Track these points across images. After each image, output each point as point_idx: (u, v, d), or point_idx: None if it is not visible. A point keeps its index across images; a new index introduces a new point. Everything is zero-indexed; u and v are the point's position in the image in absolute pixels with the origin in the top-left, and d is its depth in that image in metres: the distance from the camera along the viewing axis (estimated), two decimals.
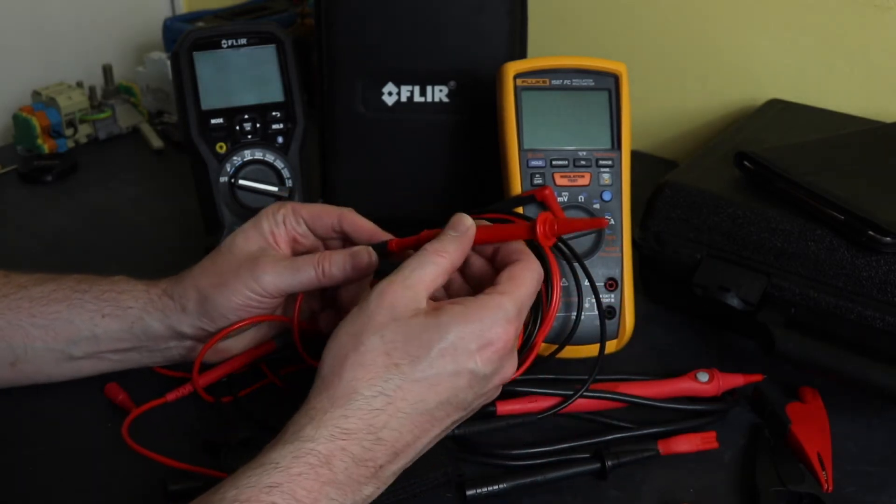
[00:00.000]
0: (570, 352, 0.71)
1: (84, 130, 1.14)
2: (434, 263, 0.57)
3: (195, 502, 0.50)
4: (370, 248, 0.65)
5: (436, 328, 0.53)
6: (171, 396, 0.69)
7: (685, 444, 0.65)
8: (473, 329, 0.54)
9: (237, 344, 0.69)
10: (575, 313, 0.71)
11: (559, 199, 0.74)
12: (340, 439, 0.51)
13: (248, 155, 0.80)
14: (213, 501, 0.48)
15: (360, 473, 0.51)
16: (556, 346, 0.71)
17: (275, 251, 0.67)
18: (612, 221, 0.74)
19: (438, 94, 0.89)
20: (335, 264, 0.64)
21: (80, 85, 1.15)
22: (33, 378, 0.68)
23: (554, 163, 0.75)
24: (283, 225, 0.67)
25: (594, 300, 0.72)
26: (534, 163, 0.75)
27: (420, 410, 0.53)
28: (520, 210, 0.73)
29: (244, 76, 0.81)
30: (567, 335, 0.71)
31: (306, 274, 0.64)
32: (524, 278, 0.57)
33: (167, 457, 0.63)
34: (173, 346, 0.68)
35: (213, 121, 0.80)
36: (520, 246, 0.60)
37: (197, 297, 0.65)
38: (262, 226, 0.67)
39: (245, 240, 0.66)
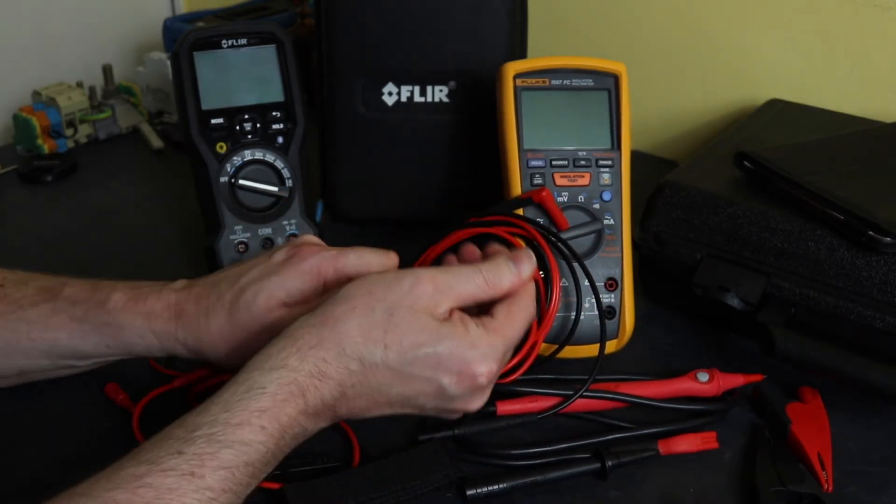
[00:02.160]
0: (570, 352, 0.71)
1: (84, 130, 1.14)
2: (476, 286, 0.59)
3: (184, 420, 0.51)
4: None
5: (434, 335, 0.56)
6: (177, 382, 0.69)
7: (685, 444, 0.65)
8: (463, 355, 0.56)
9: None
10: (575, 313, 0.71)
11: (559, 200, 0.74)
12: (317, 378, 0.54)
13: (248, 155, 0.80)
14: (204, 422, 0.50)
15: (323, 412, 0.55)
16: (556, 346, 0.71)
17: (293, 306, 0.63)
18: (613, 221, 0.74)
19: (438, 94, 0.89)
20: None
21: (80, 85, 1.15)
22: (39, 378, 0.68)
23: (554, 163, 0.75)
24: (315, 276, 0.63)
25: (594, 300, 0.72)
26: (534, 163, 0.75)
27: (383, 392, 0.56)
28: (520, 212, 0.73)
29: (244, 76, 0.81)
30: (567, 335, 0.71)
31: None
32: (519, 318, 0.59)
33: None
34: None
35: (213, 121, 0.79)
36: (517, 279, 0.61)
37: (214, 356, 0.63)
38: (289, 284, 0.63)
39: (268, 299, 0.62)
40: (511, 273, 0.60)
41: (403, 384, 0.56)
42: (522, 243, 0.70)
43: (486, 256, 0.66)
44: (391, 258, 0.65)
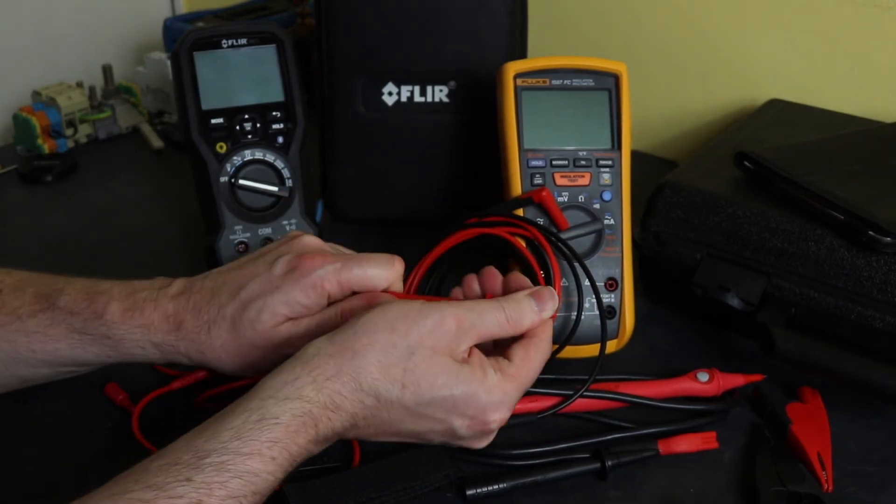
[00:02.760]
0: (570, 352, 0.71)
1: (84, 130, 1.14)
2: (498, 324, 0.59)
3: (193, 444, 0.50)
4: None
5: (452, 378, 0.55)
6: (176, 384, 0.69)
7: (685, 444, 0.65)
8: (479, 401, 0.56)
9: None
10: (575, 313, 0.71)
11: (559, 200, 0.74)
12: (331, 410, 0.53)
13: (248, 155, 0.80)
14: (214, 449, 0.49)
15: (331, 439, 0.55)
16: (556, 346, 0.70)
17: (298, 321, 0.62)
18: (613, 221, 0.74)
19: (438, 94, 0.89)
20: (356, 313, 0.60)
21: (80, 85, 1.15)
22: (42, 383, 0.68)
23: (554, 163, 0.75)
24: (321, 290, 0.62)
25: (594, 300, 0.72)
26: (534, 163, 0.75)
27: (393, 425, 0.56)
28: (520, 212, 0.73)
29: (244, 76, 0.81)
30: (567, 335, 0.71)
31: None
32: (536, 361, 0.59)
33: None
34: None
35: (213, 121, 0.79)
36: (538, 319, 0.60)
37: (219, 367, 0.63)
38: (293, 299, 0.62)
39: (272, 316, 0.61)
40: (533, 312, 0.60)
41: (416, 421, 0.56)
42: (523, 243, 0.70)
43: (507, 283, 0.64)
44: (395, 268, 0.63)
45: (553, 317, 0.62)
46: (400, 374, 0.55)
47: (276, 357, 0.60)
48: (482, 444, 0.60)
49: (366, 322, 0.56)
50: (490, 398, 0.56)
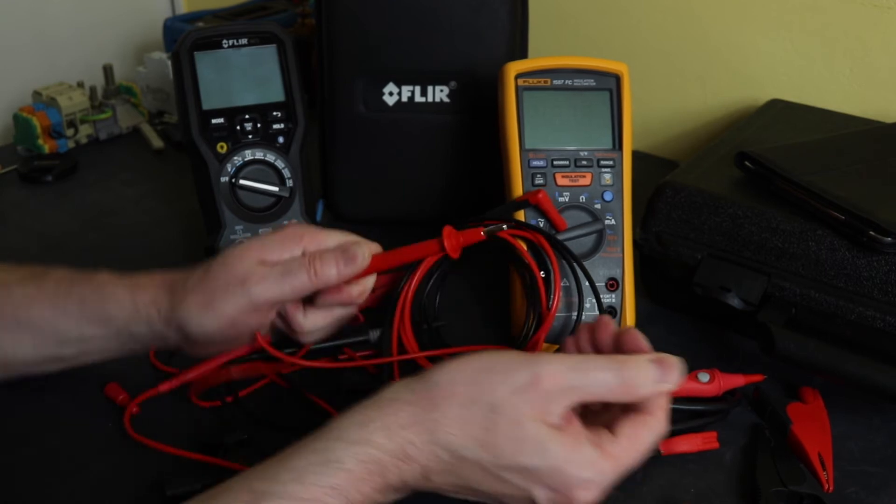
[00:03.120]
0: None
1: (84, 130, 1.14)
2: (608, 389, 0.50)
3: (249, 482, 0.48)
4: (363, 244, 0.64)
5: (539, 449, 0.49)
6: (163, 387, 0.69)
7: (686, 444, 0.65)
8: (568, 477, 0.49)
9: (220, 348, 0.68)
10: (575, 313, 0.71)
11: (560, 200, 0.74)
12: (401, 460, 0.50)
13: (248, 155, 0.80)
14: (274, 491, 0.47)
15: (399, 490, 0.51)
16: (557, 347, 0.71)
17: (270, 266, 0.63)
18: (614, 221, 0.74)
19: (439, 94, 0.89)
20: (326, 263, 0.62)
21: (80, 85, 1.15)
22: (24, 372, 0.67)
23: (555, 163, 0.75)
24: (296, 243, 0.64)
25: (595, 300, 0.72)
26: (535, 163, 0.75)
27: (470, 485, 0.51)
28: (520, 214, 0.73)
29: (245, 76, 0.81)
30: (567, 335, 0.71)
31: (298, 278, 0.62)
32: (645, 442, 0.51)
33: (168, 450, 0.63)
34: (159, 345, 0.67)
35: (213, 121, 0.80)
36: (657, 390, 0.51)
37: (183, 317, 0.63)
38: (268, 244, 0.64)
39: (244, 251, 0.63)
40: (653, 382, 0.51)
41: (494, 484, 0.50)
42: (524, 245, 0.70)
43: (621, 340, 0.55)
44: (371, 246, 0.65)
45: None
46: (480, 434, 0.49)
47: (240, 298, 0.61)
48: None
49: (447, 373, 0.51)
50: (580, 475, 0.49)
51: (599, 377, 0.50)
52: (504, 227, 0.68)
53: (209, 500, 0.48)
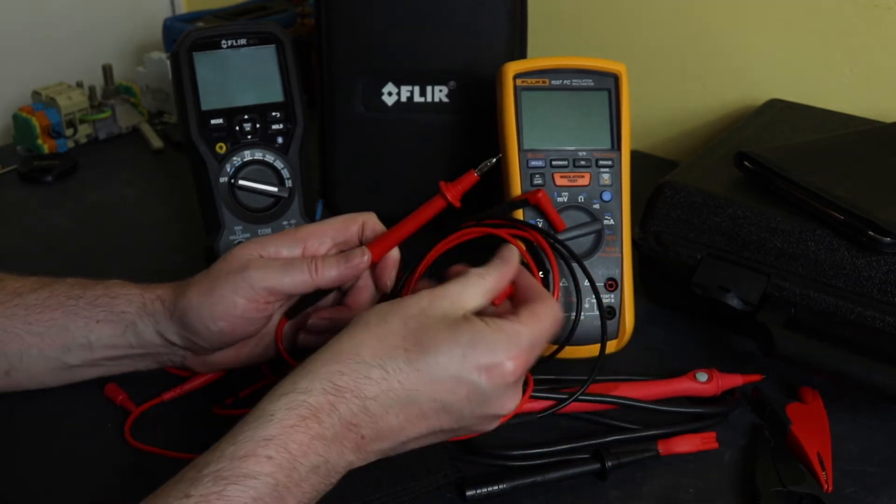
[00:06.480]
0: (569, 352, 0.71)
1: (84, 130, 1.14)
2: (476, 285, 0.58)
3: (197, 460, 0.49)
4: (364, 248, 0.65)
5: (452, 330, 0.54)
6: (167, 396, 0.69)
7: (685, 444, 0.65)
8: (487, 346, 0.54)
9: (224, 357, 0.68)
10: (575, 314, 0.71)
11: (559, 200, 0.74)
12: (331, 394, 0.51)
13: (247, 155, 0.80)
14: (213, 459, 0.49)
15: (345, 436, 0.52)
16: (556, 347, 0.71)
17: (271, 259, 0.65)
18: (613, 221, 0.74)
19: (438, 94, 0.89)
20: (328, 263, 0.64)
21: (80, 85, 1.15)
22: (26, 385, 0.67)
23: (554, 163, 0.75)
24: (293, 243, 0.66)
25: (594, 300, 0.72)
26: (534, 163, 0.75)
27: (412, 399, 0.53)
28: (519, 214, 0.73)
29: (244, 76, 0.81)
30: (567, 335, 0.71)
31: (299, 272, 0.63)
32: (544, 315, 0.57)
33: (168, 454, 0.63)
34: (164, 353, 0.67)
35: (212, 121, 0.79)
36: (538, 288, 0.61)
37: (184, 306, 0.63)
38: (270, 242, 0.66)
39: (244, 247, 0.65)
40: (498, 262, 0.60)
41: (432, 387, 0.53)
42: (523, 245, 0.70)
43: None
44: (367, 217, 0.68)
45: (537, 277, 0.64)
46: (399, 342, 0.53)
47: (240, 283, 0.62)
48: (512, 405, 0.56)
49: (355, 318, 0.56)
50: (497, 338, 0.54)
51: (459, 280, 0.58)
52: (493, 160, 0.69)
53: (166, 486, 0.49)
